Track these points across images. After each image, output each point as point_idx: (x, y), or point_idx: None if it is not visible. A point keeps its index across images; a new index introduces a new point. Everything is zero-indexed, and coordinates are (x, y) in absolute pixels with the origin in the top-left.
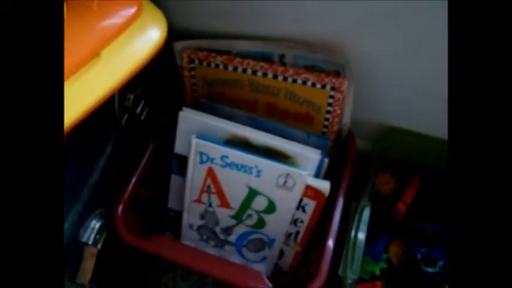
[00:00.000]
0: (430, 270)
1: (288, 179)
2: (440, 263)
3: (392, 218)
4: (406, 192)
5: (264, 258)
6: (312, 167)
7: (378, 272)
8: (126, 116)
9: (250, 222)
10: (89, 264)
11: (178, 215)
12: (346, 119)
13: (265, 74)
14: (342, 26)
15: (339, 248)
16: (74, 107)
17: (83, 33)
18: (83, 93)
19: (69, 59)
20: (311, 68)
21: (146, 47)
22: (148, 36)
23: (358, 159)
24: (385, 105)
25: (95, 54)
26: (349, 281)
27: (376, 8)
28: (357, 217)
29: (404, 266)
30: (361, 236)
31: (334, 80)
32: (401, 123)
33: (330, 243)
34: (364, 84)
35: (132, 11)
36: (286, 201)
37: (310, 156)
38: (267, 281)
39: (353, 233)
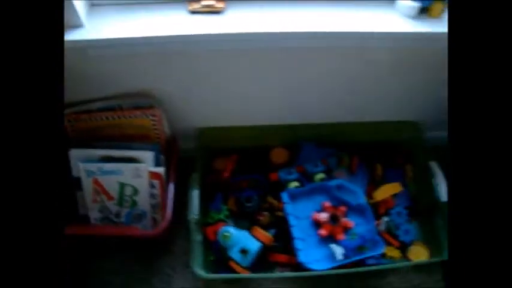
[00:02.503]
0: (249, 205)
1: (138, 171)
2: (255, 198)
3: (222, 183)
4: (228, 165)
5: (145, 226)
6: (151, 162)
7: (223, 217)
8: None
9: (127, 204)
10: None
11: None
12: (166, 130)
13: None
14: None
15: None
16: None
17: None
18: None
19: None
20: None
21: None
22: None
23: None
24: (197, 113)
25: None
26: (193, 220)
27: None
28: (192, 184)
29: (238, 208)
30: (195, 193)
31: (151, 111)
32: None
33: (170, 203)
34: (180, 105)
35: None
36: (142, 184)
37: (147, 156)
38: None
39: (190, 192)
